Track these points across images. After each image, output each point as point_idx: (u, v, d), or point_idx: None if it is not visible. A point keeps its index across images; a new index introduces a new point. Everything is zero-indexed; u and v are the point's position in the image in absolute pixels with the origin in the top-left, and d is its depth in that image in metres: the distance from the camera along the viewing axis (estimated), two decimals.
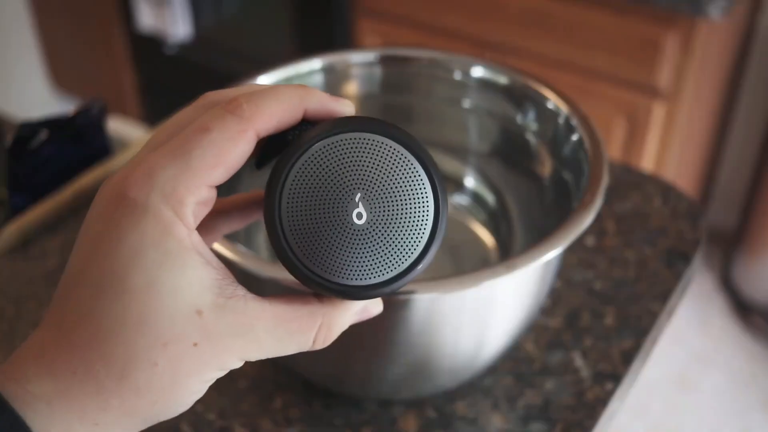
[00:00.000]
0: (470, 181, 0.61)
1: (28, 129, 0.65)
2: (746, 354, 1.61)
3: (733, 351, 1.62)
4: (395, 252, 0.29)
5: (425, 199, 0.29)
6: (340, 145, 0.28)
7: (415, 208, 0.29)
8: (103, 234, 0.27)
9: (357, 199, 0.29)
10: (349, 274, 0.29)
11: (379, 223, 0.29)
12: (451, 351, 0.46)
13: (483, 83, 0.57)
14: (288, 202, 0.29)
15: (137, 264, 0.26)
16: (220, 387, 0.53)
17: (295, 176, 0.28)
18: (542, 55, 1.42)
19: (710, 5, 1.21)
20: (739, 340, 1.64)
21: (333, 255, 0.29)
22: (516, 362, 0.55)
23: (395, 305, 0.42)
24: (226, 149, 0.28)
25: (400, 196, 0.29)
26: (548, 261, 0.42)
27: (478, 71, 0.56)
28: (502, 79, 0.56)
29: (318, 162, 0.28)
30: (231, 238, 0.42)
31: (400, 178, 0.29)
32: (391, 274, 0.29)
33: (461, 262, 0.59)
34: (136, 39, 1.89)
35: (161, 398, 0.27)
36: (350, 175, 0.28)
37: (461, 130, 0.60)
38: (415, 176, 0.29)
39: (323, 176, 0.28)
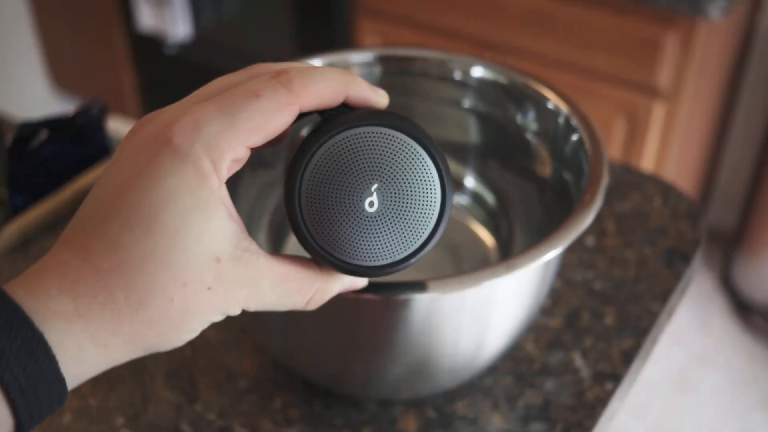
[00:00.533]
0: (470, 181, 0.61)
1: (28, 129, 0.65)
2: (746, 354, 1.61)
3: (733, 351, 1.62)
4: (402, 239, 0.32)
5: (433, 196, 0.32)
6: (364, 137, 0.31)
7: (423, 203, 0.32)
8: (143, 171, 0.28)
9: (372, 189, 0.31)
10: (357, 256, 0.32)
11: (389, 214, 0.31)
12: (451, 351, 0.46)
13: (483, 83, 0.57)
14: (308, 182, 0.31)
15: (171, 206, 0.28)
16: (221, 387, 0.53)
17: (319, 159, 0.31)
18: (542, 55, 1.42)
19: (710, 5, 1.21)
20: (739, 339, 1.64)
21: (344, 237, 0.31)
22: (516, 362, 0.55)
23: (395, 305, 0.42)
24: (271, 117, 0.30)
25: (411, 191, 0.31)
26: (548, 261, 0.42)
27: (478, 71, 0.57)
28: (502, 79, 0.56)
29: (342, 149, 0.31)
30: None
31: (414, 174, 0.31)
32: (395, 259, 0.32)
33: (461, 262, 0.59)
34: (137, 39, 1.89)
35: (167, 332, 0.29)
36: (369, 166, 0.31)
37: (461, 130, 0.60)
38: (427, 174, 0.31)
39: (344, 163, 0.31)
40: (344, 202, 0.31)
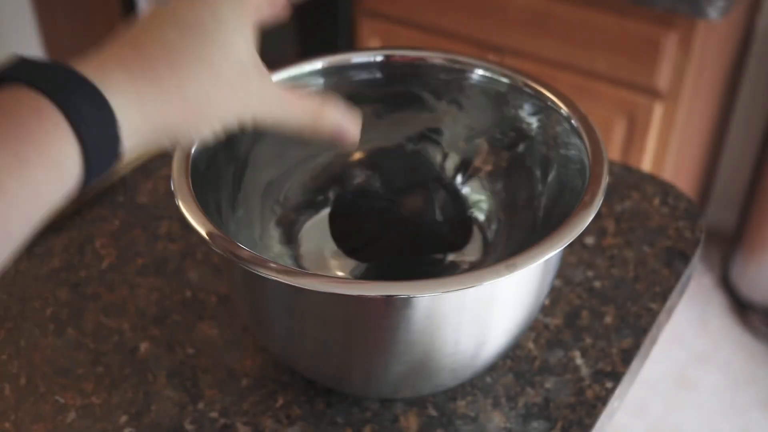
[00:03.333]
0: (468, 182, 0.61)
1: None
2: (745, 353, 1.62)
3: (731, 350, 1.62)
4: None
5: None
6: None
7: None
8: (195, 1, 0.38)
9: None
10: None
11: None
12: (452, 350, 0.46)
13: (483, 83, 0.57)
14: None
15: (216, 20, 0.37)
16: (223, 386, 0.53)
17: None
18: (542, 56, 1.42)
19: (709, 6, 1.21)
20: (738, 339, 1.64)
21: None
22: (516, 361, 0.55)
23: (396, 304, 0.42)
24: None
25: None
26: (548, 260, 0.42)
27: (478, 71, 0.57)
28: (503, 80, 0.56)
29: None
30: (232, 238, 0.43)
31: None
32: None
33: (461, 262, 0.59)
34: None
35: (192, 114, 0.36)
36: None
37: (461, 130, 0.60)
38: None
39: None
40: None
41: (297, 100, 0.41)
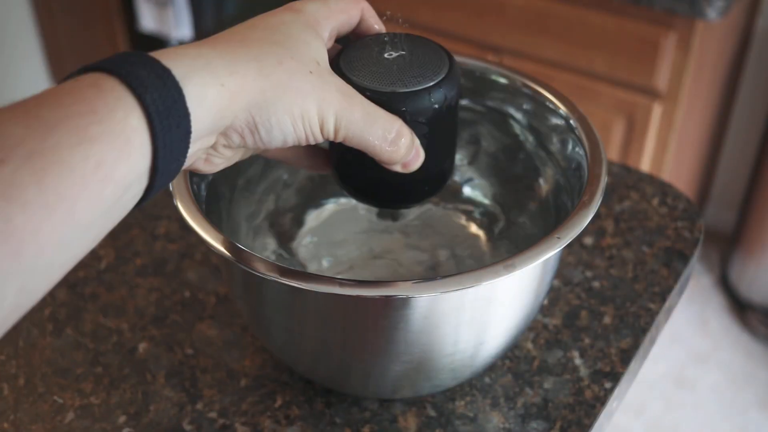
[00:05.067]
0: (468, 181, 0.61)
1: None
2: (744, 352, 1.62)
3: (730, 350, 1.62)
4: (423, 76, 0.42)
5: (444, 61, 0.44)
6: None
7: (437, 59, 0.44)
8: (269, 15, 0.39)
9: (400, 49, 0.44)
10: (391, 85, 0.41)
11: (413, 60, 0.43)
12: (451, 350, 0.46)
13: (482, 83, 0.57)
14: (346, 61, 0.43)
15: (289, 26, 0.38)
16: (222, 385, 0.53)
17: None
18: (541, 56, 1.42)
19: (708, 6, 1.21)
20: (737, 338, 1.64)
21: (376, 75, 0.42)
22: (515, 361, 0.55)
23: (395, 304, 0.42)
24: (348, 9, 0.43)
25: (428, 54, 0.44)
26: (547, 260, 0.42)
27: (477, 72, 0.57)
28: (501, 80, 0.56)
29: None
30: (231, 238, 0.43)
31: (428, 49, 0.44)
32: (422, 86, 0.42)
33: (458, 262, 0.59)
34: (138, 40, 1.89)
35: (271, 92, 0.35)
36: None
37: (460, 130, 0.60)
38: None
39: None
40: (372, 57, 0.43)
41: (383, 113, 0.39)
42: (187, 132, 0.32)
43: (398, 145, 0.40)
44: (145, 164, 0.30)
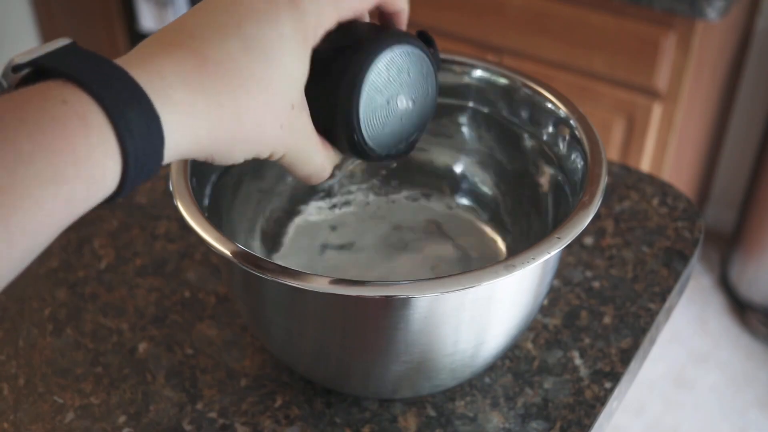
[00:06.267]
0: (469, 182, 0.61)
1: None
2: (743, 352, 1.62)
3: (730, 350, 1.62)
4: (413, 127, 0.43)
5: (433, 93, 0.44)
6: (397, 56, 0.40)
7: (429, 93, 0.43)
8: (265, 10, 0.35)
9: (406, 95, 0.41)
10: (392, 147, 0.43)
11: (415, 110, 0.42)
12: (451, 350, 0.46)
13: (482, 84, 0.57)
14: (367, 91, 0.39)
15: (283, 48, 0.35)
16: (221, 385, 0.53)
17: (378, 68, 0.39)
18: (541, 56, 1.42)
19: (708, 6, 1.21)
20: (737, 338, 1.64)
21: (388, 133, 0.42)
22: (515, 361, 0.55)
23: (395, 304, 0.42)
24: (361, 3, 0.39)
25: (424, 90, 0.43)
26: (547, 261, 0.42)
27: (476, 72, 0.57)
28: (501, 80, 0.56)
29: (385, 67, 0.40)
30: (230, 239, 0.43)
31: (426, 82, 0.43)
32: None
33: (470, 261, 0.59)
34: (139, 40, 1.89)
35: (239, 136, 0.35)
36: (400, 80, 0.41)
37: (460, 130, 0.60)
38: (431, 78, 0.43)
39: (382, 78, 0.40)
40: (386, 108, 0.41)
41: (324, 150, 0.40)
42: (156, 169, 0.32)
43: (325, 177, 0.42)
44: (108, 195, 0.31)
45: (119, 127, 0.29)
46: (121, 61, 0.32)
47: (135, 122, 0.30)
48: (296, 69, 0.36)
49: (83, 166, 0.29)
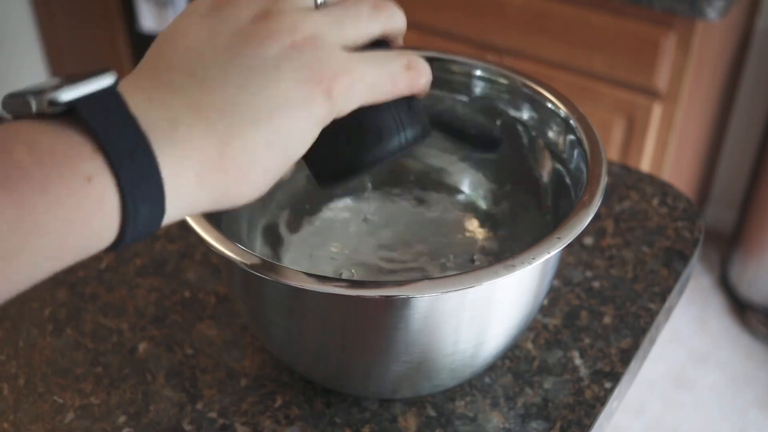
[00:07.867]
0: (468, 182, 0.61)
1: None
2: (743, 352, 1.62)
3: (730, 350, 1.62)
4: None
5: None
6: None
7: None
8: (303, 104, 0.34)
9: None
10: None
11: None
12: (451, 350, 0.46)
13: (481, 84, 0.57)
14: None
15: (305, 139, 0.34)
16: (221, 385, 0.53)
17: None
18: (541, 56, 1.42)
19: (708, 6, 1.21)
20: (737, 338, 1.65)
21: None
22: (515, 361, 0.55)
23: (395, 305, 0.42)
24: (389, 96, 0.37)
25: None
26: (547, 261, 0.42)
27: (476, 72, 0.57)
28: (501, 80, 0.56)
29: None
30: (231, 238, 0.43)
31: None
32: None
33: (460, 263, 0.59)
34: (139, 40, 1.89)
35: (236, 177, 0.33)
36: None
37: (459, 130, 0.60)
38: None
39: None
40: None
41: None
42: (156, 228, 0.32)
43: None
44: (108, 242, 0.31)
45: (127, 215, 0.30)
46: (148, 123, 0.31)
47: (142, 213, 0.30)
48: (304, 119, 0.34)
49: (86, 226, 0.30)
